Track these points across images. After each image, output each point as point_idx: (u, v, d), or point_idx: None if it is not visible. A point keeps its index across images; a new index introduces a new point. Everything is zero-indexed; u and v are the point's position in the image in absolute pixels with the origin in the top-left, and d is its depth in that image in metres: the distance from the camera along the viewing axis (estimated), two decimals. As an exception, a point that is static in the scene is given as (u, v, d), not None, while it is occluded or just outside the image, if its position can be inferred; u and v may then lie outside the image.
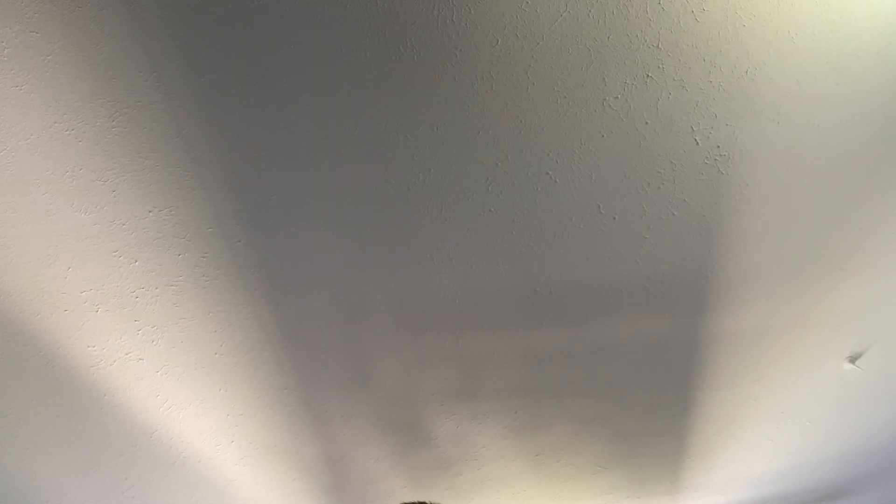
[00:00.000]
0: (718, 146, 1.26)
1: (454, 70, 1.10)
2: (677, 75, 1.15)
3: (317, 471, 1.86)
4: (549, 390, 1.71)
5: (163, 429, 1.65)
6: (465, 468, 1.99)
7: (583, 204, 1.32)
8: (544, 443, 1.89)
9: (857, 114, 1.26)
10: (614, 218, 1.35)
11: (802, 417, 2.00)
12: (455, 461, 1.96)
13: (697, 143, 1.25)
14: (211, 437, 1.70)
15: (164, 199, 1.22)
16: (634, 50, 1.12)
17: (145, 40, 1.02)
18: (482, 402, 1.73)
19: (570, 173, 1.27)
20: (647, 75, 1.15)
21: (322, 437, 1.76)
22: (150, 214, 1.24)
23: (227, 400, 1.60)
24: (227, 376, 1.54)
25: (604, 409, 1.80)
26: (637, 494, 2.24)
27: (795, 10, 1.10)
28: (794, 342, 1.71)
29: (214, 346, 1.47)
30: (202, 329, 1.44)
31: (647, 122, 1.21)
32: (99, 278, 1.33)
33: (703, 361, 1.70)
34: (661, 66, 1.14)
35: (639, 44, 1.11)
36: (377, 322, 1.48)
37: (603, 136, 1.22)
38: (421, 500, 2.03)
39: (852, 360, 1.81)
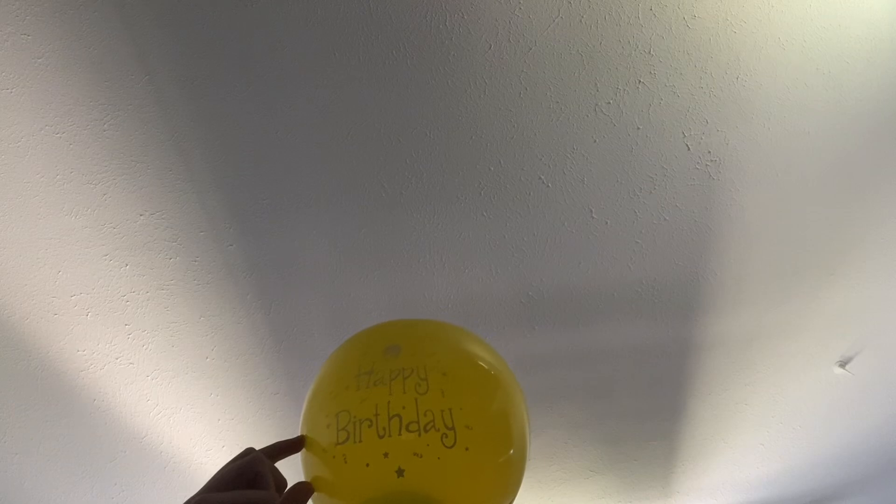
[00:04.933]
0: (710, 151, 1.27)
1: (447, 75, 1.11)
2: (669, 81, 1.16)
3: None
4: (541, 394, 1.71)
5: (153, 433, 1.64)
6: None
7: (575, 208, 1.32)
8: (536, 447, 1.88)
9: (847, 120, 1.27)
10: (606, 222, 1.36)
11: (794, 422, 2.01)
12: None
13: (689, 149, 1.26)
14: (202, 441, 1.68)
15: (155, 202, 1.22)
16: (626, 56, 1.12)
17: (137, 43, 1.02)
18: (475, 406, 1.72)
19: (563, 178, 1.27)
20: (639, 81, 1.16)
21: (314, 442, 1.75)
22: (142, 218, 1.24)
23: (219, 404, 1.59)
24: (218, 381, 1.53)
25: (595, 413, 1.80)
26: (629, 499, 2.24)
27: (786, 17, 1.11)
28: (786, 346, 1.72)
29: (206, 351, 1.47)
30: (193, 333, 1.43)
31: (638, 128, 1.22)
32: (89, 282, 1.32)
33: (695, 366, 1.71)
34: (652, 72, 1.15)
35: (631, 50, 1.12)
36: (369, 326, 1.47)
37: (595, 141, 1.23)
38: None
39: (843, 364, 1.82)
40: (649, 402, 1.80)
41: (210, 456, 1.73)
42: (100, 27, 1.00)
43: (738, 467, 2.19)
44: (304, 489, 0.57)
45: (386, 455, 0.55)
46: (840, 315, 1.67)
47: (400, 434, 0.56)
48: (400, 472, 0.55)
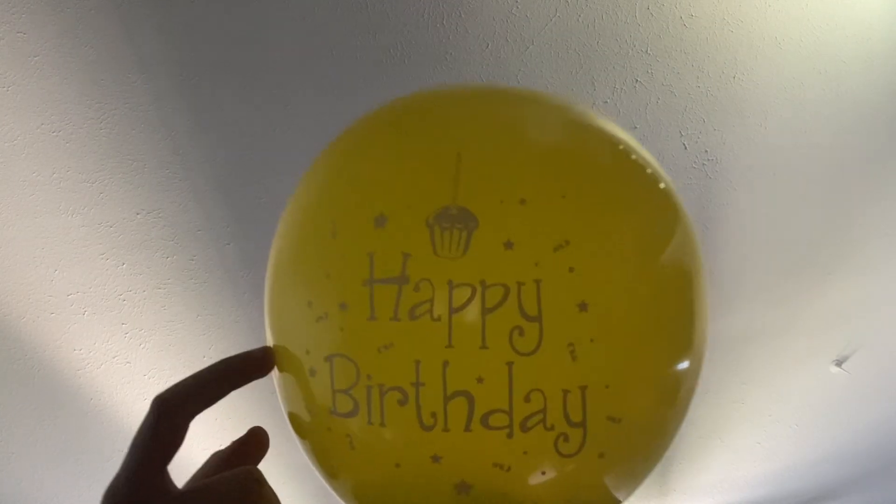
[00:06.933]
0: (706, 150, 1.27)
1: (445, 73, 1.11)
2: (666, 80, 1.16)
3: (306, 476, 1.85)
4: (539, 393, 1.71)
5: (150, 433, 1.64)
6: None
7: (572, 207, 1.32)
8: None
9: (844, 119, 1.27)
10: (604, 221, 1.35)
11: (790, 420, 2.02)
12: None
13: (685, 148, 1.26)
14: (199, 441, 1.67)
15: (152, 201, 1.21)
16: (624, 55, 1.12)
17: (134, 42, 1.02)
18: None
19: (560, 177, 1.27)
20: (636, 80, 1.16)
21: (311, 441, 1.75)
22: (139, 217, 1.23)
23: (216, 404, 1.59)
24: (215, 380, 1.53)
25: (593, 412, 1.80)
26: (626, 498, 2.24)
27: (783, 16, 1.11)
28: (782, 345, 1.72)
29: (203, 350, 1.46)
30: (191, 332, 1.43)
31: (635, 127, 1.22)
32: (86, 281, 1.32)
33: (692, 364, 1.71)
34: (650, 71, 1.15)
35: (628, 49, 1.12)
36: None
37: (592, 140, 1.23)
38: None
39: (839, 363, 1.82)
40: (646, 400, 1.80)
41: (207, 455, 1.72)
42: (96, 25, 0.99)
43: (735, 466, 2.19)
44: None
45: (436, 459, 0.29)
46: (836, 314, 1.67)
47: (468, 430, 0.28)
48: (463, 488, 0.29)
